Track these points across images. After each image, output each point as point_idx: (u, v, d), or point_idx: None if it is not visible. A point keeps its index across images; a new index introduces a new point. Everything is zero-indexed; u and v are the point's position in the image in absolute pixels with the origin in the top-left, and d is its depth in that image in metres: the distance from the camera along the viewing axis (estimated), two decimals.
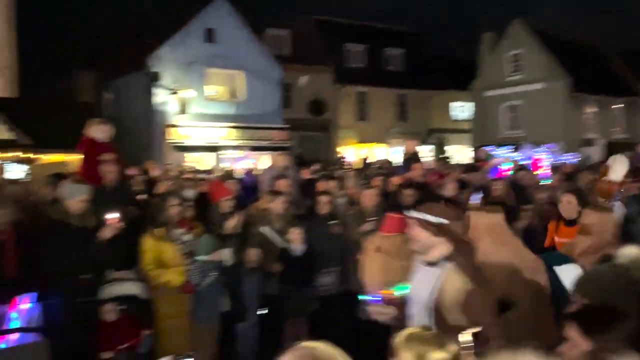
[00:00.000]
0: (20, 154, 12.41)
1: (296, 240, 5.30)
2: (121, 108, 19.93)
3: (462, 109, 31.33)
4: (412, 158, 7.99)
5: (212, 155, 20.11)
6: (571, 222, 4.60)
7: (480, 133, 27.73)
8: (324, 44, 27.14)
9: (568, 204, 4.68)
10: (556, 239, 4.70)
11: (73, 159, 11.32)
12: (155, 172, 9.26)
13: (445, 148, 27.45)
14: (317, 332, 5.33)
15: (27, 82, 17.62)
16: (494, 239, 3.40)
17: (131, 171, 7.17)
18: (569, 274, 3.41)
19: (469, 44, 38.26)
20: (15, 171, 8.93)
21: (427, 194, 6.34)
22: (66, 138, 12.65)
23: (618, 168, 5.91)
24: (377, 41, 29.10)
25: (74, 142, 12.07)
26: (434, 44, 44.55)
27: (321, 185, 6.56)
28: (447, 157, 15.91)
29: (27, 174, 10.52)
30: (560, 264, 3.63)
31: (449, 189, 6.56)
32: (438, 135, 28.93)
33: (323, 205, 5.66)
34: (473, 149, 27.75)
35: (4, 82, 16.50)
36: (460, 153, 28.52)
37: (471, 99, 29.44)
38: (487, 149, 15.61)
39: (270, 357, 1.73)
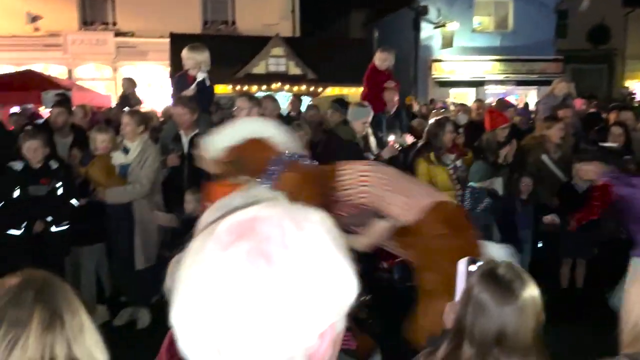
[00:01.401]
0: (307, 88, 14.02)
1: (586, 173, 4.77)
2: (387, 45, 20.65)
3: None
4: None
5: (474, 90, 19.50)
6: None
7: None
8: None
9: None
10: None
11: (349, 92, 12.28)
12: (416, 106, 9.45)
13: None
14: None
15: (308, 23, 19.64)
16: None
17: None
18: None
19: None
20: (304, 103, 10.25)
21: None
22: (342, 73, 13.77)
23: None
24: None
25: (348, 77, 12.96)
26: None
27: (613, 116, 5.78)
28: None
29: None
30: None
31: None
32: None
33: (616, 137, 5.01)
34: None
35: (290, 24, 18.70)
36: None
37: None
38: None
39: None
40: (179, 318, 0.68)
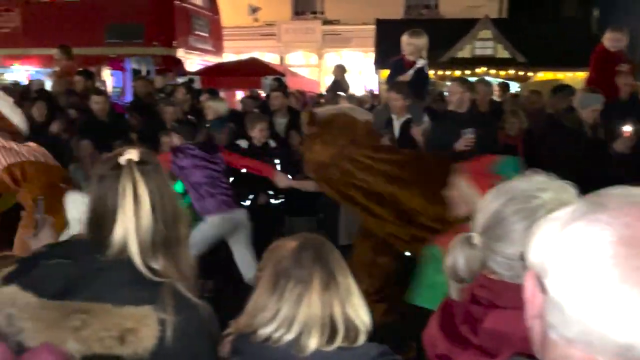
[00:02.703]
0: (516, 72, 13.14)
1: None
2: (612, 24, 18.27)
3: None
4: None
5: None
6: None
7: None
8: None
9: None
10: None
11: (564, 77, 11.20)
12: None
13: None
14: None
15: (516, 3, 18.33)
16: None
17: None
18: None
19: None
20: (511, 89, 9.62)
21: None
22: (555, 56, 12.59)
23: None
24: None
25: (563, 60, 11.78)
26: None
27: None
28: None
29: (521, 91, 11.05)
30: None
31: None
32: None
33: None
34: None
35: (496, 5, 17.73)
36: None
37: None
38: None
39: None
40: (567, 290, 0.69)
